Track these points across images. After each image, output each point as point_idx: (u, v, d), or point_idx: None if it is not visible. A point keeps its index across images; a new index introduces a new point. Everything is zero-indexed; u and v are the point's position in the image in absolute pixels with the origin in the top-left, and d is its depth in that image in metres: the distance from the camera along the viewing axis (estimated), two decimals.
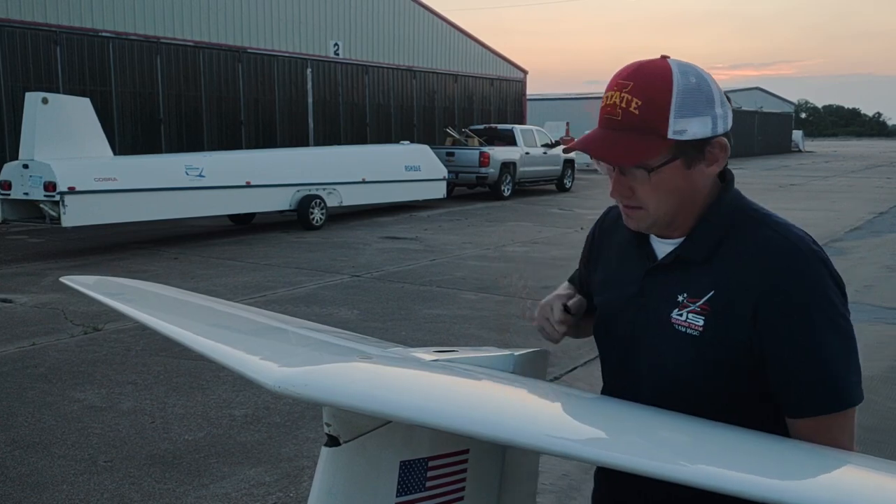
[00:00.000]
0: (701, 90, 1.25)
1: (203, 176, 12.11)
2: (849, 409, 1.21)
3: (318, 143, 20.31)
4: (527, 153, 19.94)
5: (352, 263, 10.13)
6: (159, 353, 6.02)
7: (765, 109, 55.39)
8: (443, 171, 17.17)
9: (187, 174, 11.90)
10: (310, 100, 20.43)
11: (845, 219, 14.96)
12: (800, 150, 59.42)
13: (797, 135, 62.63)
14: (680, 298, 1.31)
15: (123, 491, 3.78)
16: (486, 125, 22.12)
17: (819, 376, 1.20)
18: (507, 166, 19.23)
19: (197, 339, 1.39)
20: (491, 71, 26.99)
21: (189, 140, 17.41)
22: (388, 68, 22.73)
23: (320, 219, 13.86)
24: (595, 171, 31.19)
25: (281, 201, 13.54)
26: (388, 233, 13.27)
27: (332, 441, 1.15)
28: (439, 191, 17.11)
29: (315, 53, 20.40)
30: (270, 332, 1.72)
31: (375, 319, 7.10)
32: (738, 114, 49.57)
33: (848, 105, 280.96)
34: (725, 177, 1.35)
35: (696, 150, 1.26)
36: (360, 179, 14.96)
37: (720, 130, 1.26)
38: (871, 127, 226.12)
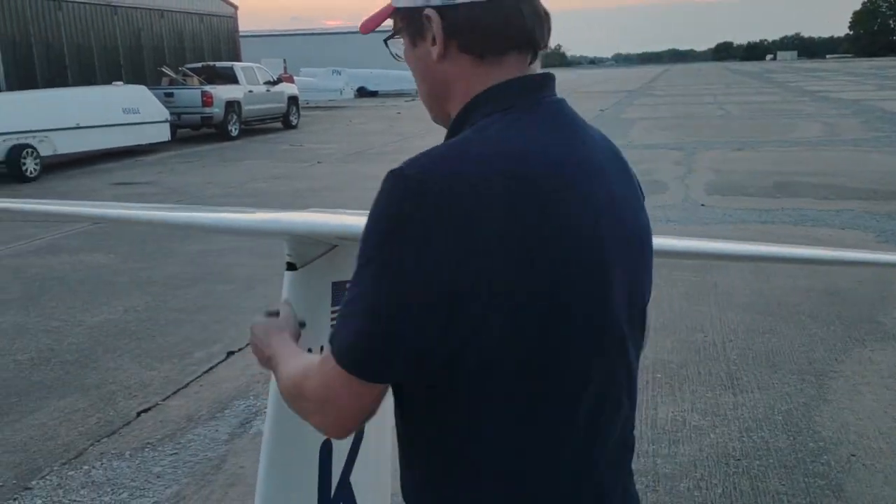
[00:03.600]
0: None
1: None
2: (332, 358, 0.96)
3: (11, 89, 18.23)
4: (250, 91, 19.70)
5: None
6: None
7: None
8: (164, 113, 16.51)
9: None
10: None
11: None
12: None
13: None
14: None
15: None
16: (204, 64, 21.38)
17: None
18: (232, 105, 18.89)
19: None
20: (198, 6, 25.83)
21: None
22: (84, 4, 20.82)
23: (34, 170, 12.79)
24: (324, 107, 31.45)
25: None
26: (117, 179, 12.67)
27: (291, 266, 1.64)
28: (163, 133, 16.46)
29: None
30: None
31: (136, 260, 7.09)
32: None
33: None
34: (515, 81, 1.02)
35: (414, 23, 1.03)
36: (75, 125, 13.95)
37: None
38: (552, 58, 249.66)
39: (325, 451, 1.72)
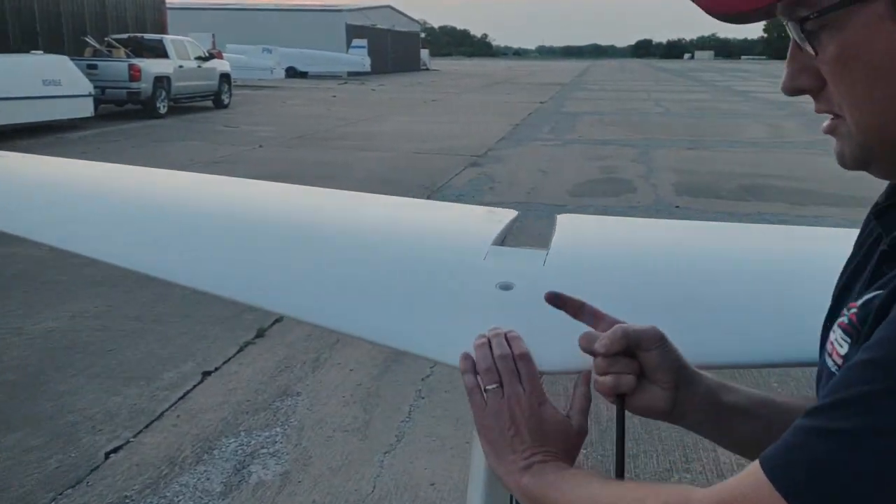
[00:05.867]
0: None
1: None
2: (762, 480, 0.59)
3: None
4: (181, 66, 18.54)
5: None
6: None
7: (396, 28, 58.21)
8: (88, 87, 15.29)
9: None
10: None
11: (491, 131, 16.61)
12: (427, 69, 63.81)
13: (424, 54, 67.07)
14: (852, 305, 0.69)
15: None
16: (130, 35, 20.04)
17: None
18: (161, 81, 17.70)
19: None
20: None
21: None
22: None
23: None
24: (253, 86, 30.16)
25: None
26: None
27: None
28: (85, 108, 15.25)
29: None
30: None
31: (72, 254, 6.26)
32: (374, 31, 51.48)
33: (460, 27, 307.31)
34: None
35: None
36: None
37: None
38: (479, 47, 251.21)
39: None
